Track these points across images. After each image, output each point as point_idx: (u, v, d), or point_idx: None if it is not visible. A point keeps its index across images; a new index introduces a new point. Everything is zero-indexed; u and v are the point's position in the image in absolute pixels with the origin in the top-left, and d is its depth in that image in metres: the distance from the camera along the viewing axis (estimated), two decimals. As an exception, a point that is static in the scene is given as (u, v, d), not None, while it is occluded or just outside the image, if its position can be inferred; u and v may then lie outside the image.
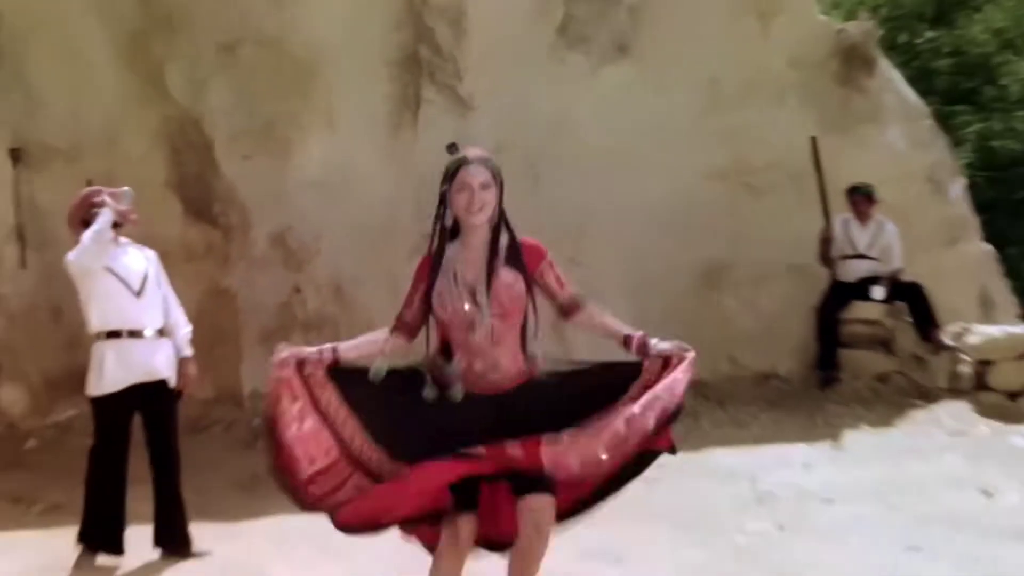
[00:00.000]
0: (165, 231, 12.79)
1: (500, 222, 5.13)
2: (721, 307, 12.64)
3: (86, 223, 7.85)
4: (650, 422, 4.86)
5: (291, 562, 7.92)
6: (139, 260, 7.99)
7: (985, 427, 10.91)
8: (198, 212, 12.94)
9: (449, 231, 5.16)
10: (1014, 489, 9.57)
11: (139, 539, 8.10)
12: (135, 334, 7.84)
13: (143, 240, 12.62)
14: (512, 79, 12.25)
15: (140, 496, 8.19)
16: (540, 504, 5.04)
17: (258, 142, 12.44)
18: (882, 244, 12.19)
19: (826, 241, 12.21)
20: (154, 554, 8.09)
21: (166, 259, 12.93)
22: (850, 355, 12.20)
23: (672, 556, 7.87)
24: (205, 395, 12.63)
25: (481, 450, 4.97)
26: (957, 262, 13.18)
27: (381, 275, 12.34)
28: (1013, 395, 11.17)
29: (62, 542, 8.12)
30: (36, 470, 11.16)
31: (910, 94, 13.63)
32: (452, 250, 5.21)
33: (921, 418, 11.28)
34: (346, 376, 5.06)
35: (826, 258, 12.27)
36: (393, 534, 5.42)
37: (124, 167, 12.83)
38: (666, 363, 4.94)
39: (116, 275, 7.83)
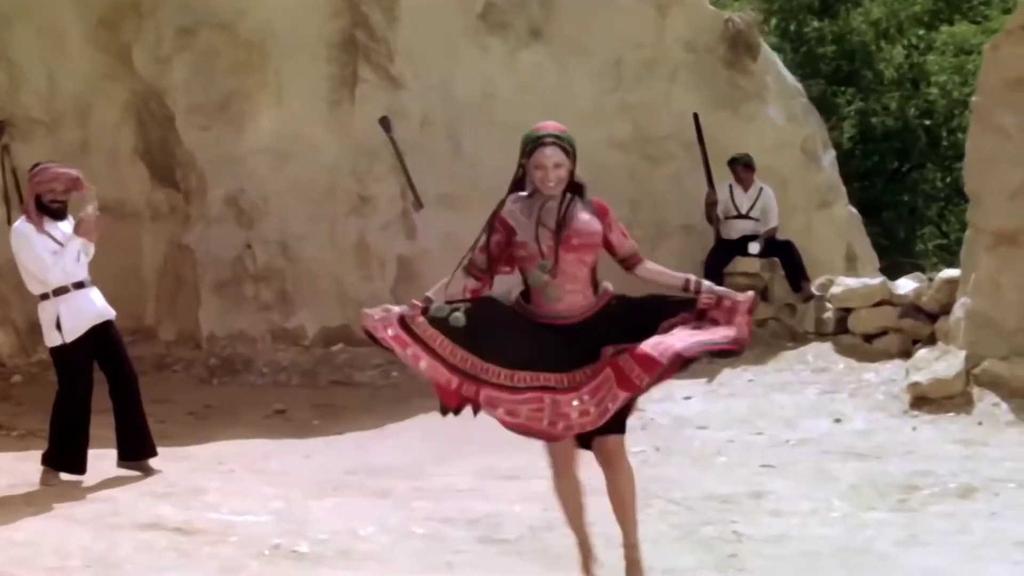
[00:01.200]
0: (134, 194, 12.96)
1: (576, 185, 5.27)
2: (623, 262, 12.80)
3: (39, 199, 7.92)
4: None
5: (227, 480, 8.09)
6: (67, 223, 8.08)
7: (843, 365, 11.14)
8: (162, 177, 13.12)
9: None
10: (860, 417, 9.89)
11: (99, 461, 8.24)
12: (79, 285, 7.97)
13: (117, 202, 12.84)
14: (438, 61, 12.43)
15: (101, 424, 8.34)
16: (611, 446, 5.24)
17: (214, 114, 12.64)
18: (761, 206, 12.44)
19: (711, 204, 12.44)
20: (112, 472, 8.22)
21: (135, 219, 13.18)
22: (735, 303, 12.40)
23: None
24: (167, 337, 12.81)
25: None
26: (827, 223, 13.44)
27: (323, 232, 12.55)
28: (868, 337, 11.40)
29: (32, 465, 8.27)
30: (19, 402, 11.34)
31: (788, 75, 13.86)
32: (529, 203, 5.29)
33: (790, 357, 11.52)
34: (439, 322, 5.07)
35: (711, 219, 12.47)
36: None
37: (97, 136, 13.01)
38: (719, 302, 5.05)
39: (57, 241, 7.93)
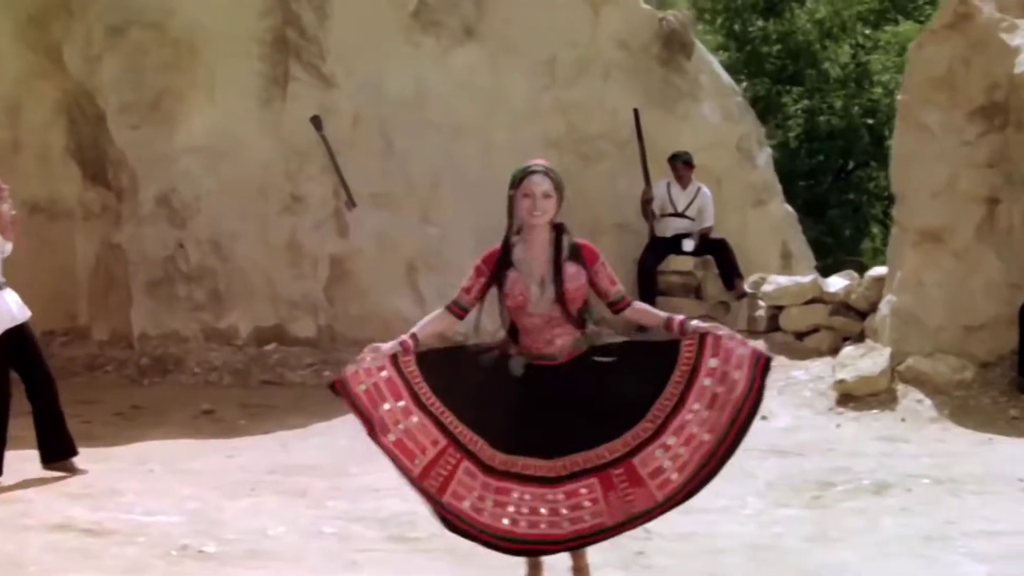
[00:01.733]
0: (66, 193, 12.90)
1: (560, 224, 5.23)
2: (556, 260, 12.81)
3: None
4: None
5: (145, 481, 8.06)
6: None
7: (777, 364, 11.15)
8: (94, 176, 13.07)
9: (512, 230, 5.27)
10: (787, 414, 9.95)
11: (19, 463, 8.18)
12: None
13: (49, 202, 12.78)
14: (370, 59, 12.40)
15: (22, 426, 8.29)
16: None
17: (146, 113, 12.60)
18: (698, 206, 12.47)
19: (647, 202, 12.47)
20: (32, 473, 8.17)
21: (68, 218, 13.10)
22: (666, 301, 12.40)
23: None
24: (100, 337, 12.75)
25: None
26: (762, 221, 13.49)
27: (256, 231, 12.52)
28: (800, 335, 11.48)
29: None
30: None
31: (723, 74, 13.90)
32: (517, 248, 5.24)
33: (723, 355, 11.51)
34: (428, 365, 5.05)
35: (647, 216, 12.50)
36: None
37: (28, 136, 12.96)
38: (702, 341, 5.01)
39: None
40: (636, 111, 12.45)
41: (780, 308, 11.71)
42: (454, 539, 6.43)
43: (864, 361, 10.09)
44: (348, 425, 9.56)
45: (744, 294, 12.04)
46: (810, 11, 22.50)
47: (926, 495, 7.44)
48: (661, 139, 12.83)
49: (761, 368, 4.97)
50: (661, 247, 12.50)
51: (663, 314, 5.29)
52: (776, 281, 11.77)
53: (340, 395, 4.99)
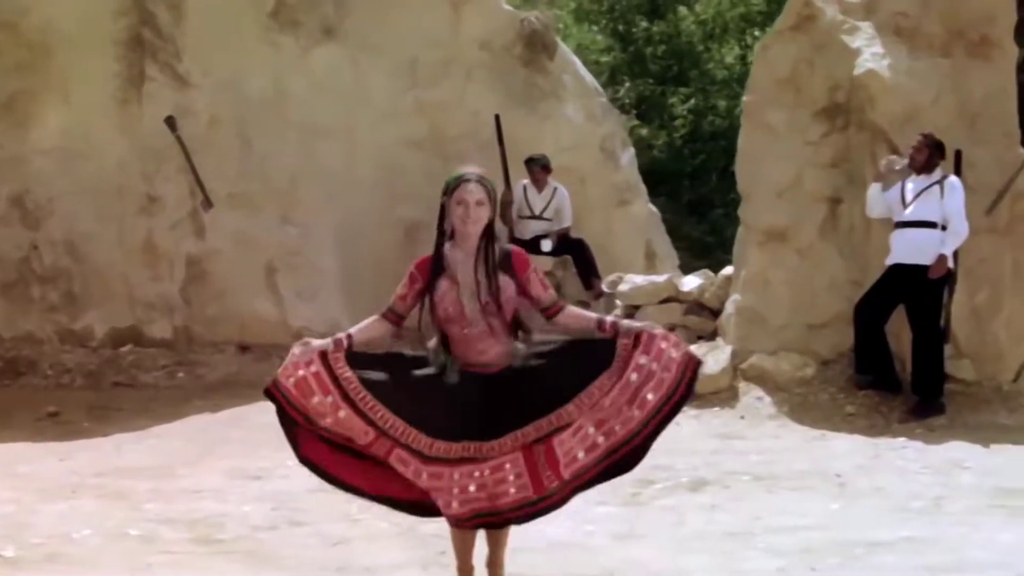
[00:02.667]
0: (-82, 194, 12.70)
1: (491, 233, 5.16)
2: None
3: None
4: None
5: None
6: None
7: (711, 360, 11.18)
8: (-54, 177, 12.87)
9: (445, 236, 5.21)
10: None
11: None
12: None
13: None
14: (227, 59, 12.35)
15: None
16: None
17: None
18: (555, 207, 12.54)
19: (506, 204, 12.49)
20: None
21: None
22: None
23: (301, 470, 8.03)
24: (-47, 338, 12.59)
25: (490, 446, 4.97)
26: (626, 221, 13.61)
27: (111, 232, 12.42)
28: (657, 335, 11.50)
29: None
30: None
31: (587, 75, 14.01)
32: (449, 255, 5.19)
33: (577, 355, 11.55)
34: (363, 365, 5.02)
35: (506, 219, 12.53)
36: None
37: None
38: (636, 339, 5.01)
39: None
40: (497, 117, 12.48)
41: (636, 307, 11.74)
42: (261, 541, 6.49)
43: (707, 360, 10.16)
44: (189, 426, 9.64)
45: (602, 293, 12.13)
46: (694, 13, 22.69)
47: (741, 492, 7.54)
48: (523, 139, 12.88)
49: (691, 373, 5.01)
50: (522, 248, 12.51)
51: (595, 315, 5.31)
52: (632, 280, 11.83)
53: (273, 397, 4.97)
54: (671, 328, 11.21)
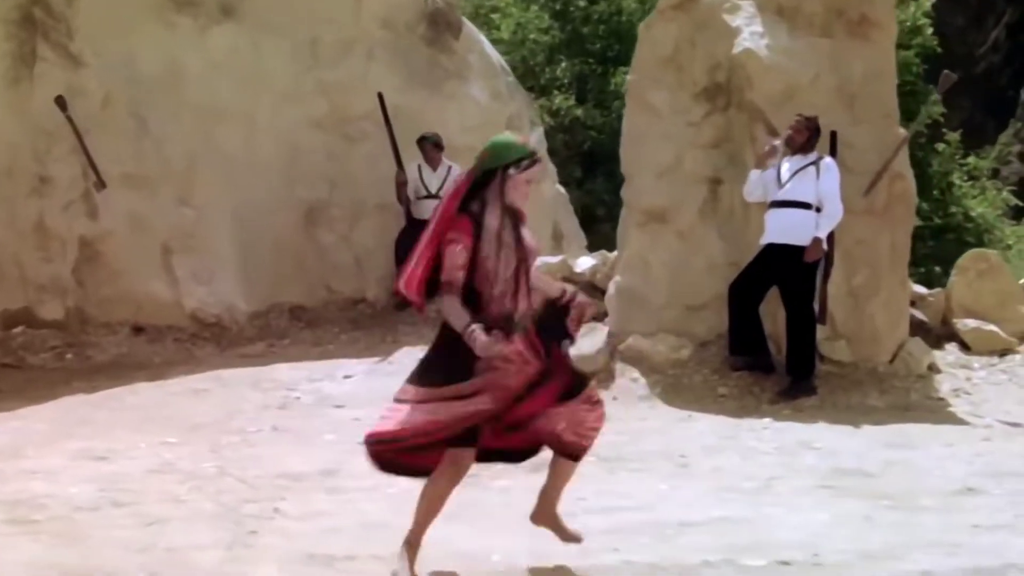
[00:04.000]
0: None
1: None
2: (320, 241, 12.90)
3: None
4: None
5: None
6: None
7: (588, 341, 11.20)
8: None
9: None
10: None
11: None
12: None
13: None
14: (121, 39, 12.31)
15: None
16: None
17: None
18: (450, 186, 12.51)
19: (401, 184, 12.52)
20: None
21: None
22: (426, 282, 12.51)
23: (152, 451, 8.11)
24: None
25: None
26: (533, 201, 13.39)
27: (2, 213, 12.38)
28: (554, 315, 11.52)
29: None
30: None
31: (493, 54, 14.06)
32: (491, 223, 5.32)
33: (471, 336, 11.58)
34: None
35: (402, 199, 12.56)
36: None
37: None
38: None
39: None
40: (380, 95, 12.49)
41: (531, 288, 11.75)
42: (72, 522, 6.51)
43: (584, 340, 10.20)
44: (58, 408, 9.65)
45: (498, 274, 12.11)
46: (634, -9, 22.69)
47: (579, 473, 7.55)
48: (427, 119, 12.93)
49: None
50: (419, 228, 12.44)
51: (557, 285, 5.72)
52: (528, 261, 11.82)
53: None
54: (565, 309, 11.35)
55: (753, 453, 8.04)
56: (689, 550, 5.94)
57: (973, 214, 25.95)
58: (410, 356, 11.03)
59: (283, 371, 10.80)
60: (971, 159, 26.93)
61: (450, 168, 12.57)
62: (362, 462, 7.66)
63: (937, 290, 11.41)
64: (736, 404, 9.55)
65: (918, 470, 7.50)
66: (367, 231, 12.90)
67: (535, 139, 13.91)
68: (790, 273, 9.58)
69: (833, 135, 9.75)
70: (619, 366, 10.13)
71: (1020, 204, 28.56)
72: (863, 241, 9.98)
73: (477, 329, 5.12)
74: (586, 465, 7.70)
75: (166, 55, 12.46)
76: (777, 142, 9.70)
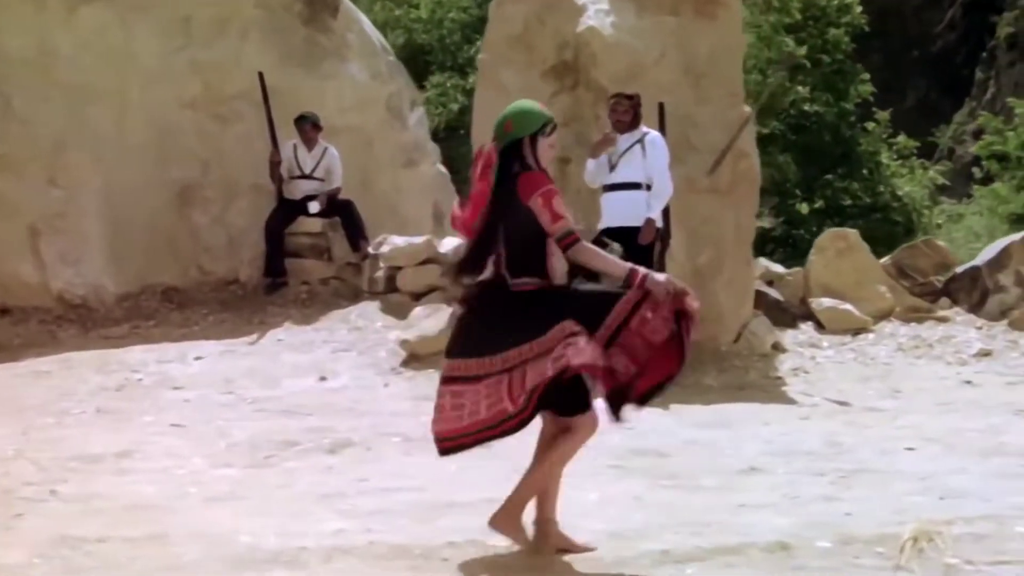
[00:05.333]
0: None
1: None
2: (192, 222, 12.83)
3: None
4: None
5: None
6: None
7: (381, 323, 11.27)
8: None
9: None
10: (348, 375, 10.04)
11: None
12: None
13: None
14: (-17, 17, 12.18)
15: None
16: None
17: None
18: (326, 166, 12.51)
19: (275, 164, 12.46)
20: None
21: None
22: (297, 263, 12.52)
23: None
24: None
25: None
26: (413, 181, 13.61)
27: None
28: (416, 296, 11.54)
29: None
30: None
31: (373, 33, 13.96)
32: None
33: (336, 317, 11.61)
34: None
35: (274, 178, 12.50)
36: None
37: None
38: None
39: None
40: (260, 74, 12.43)
41: (398, 268, 11.76)
42: None
43: (428, 321, 10.22)
44: None
45: (367, 255, 12.11)
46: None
47: (378, 455, 7.57)
48: (304, 98, 12.86)
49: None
50: (291, 209, 12.53)
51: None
52: (393, 242, 11.84)
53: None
54: (431, 290, 11.37)
55: (561, 434, 7.99)
56: (445, 531, 5.92)
57: (900, 193, 25.97)
58: (271, 338, 11.07)
59: (136, 353, 10.76)
60: (900, 138, 26.94)
61: (326, 149, 12.54)
62: (163, 443, 7.72)
63: (795, 269, 11.41)
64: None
65: (714, 450, 7.51)
66: (241, 211, 12.83)
67: (415, 120, 13.87)
68: (627, 255, 9.53)
69: (661, 107, 9.71)
70: (463, 346, 10.08)
71: (947, 183, 28.68)
72: (708, 220, 9.98)
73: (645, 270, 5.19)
74: (389, 445, 7.76)
75: (34, 34, 12.35)
76: (610, 131, 9.66)
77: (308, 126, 12.45)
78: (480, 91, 10.83)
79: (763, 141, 25.29)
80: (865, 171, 26.47)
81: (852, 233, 11.52)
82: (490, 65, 10.67)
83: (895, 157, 26.98)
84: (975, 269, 11.26)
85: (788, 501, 6.34)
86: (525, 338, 5.17)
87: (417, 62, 21.59)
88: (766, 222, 27.55)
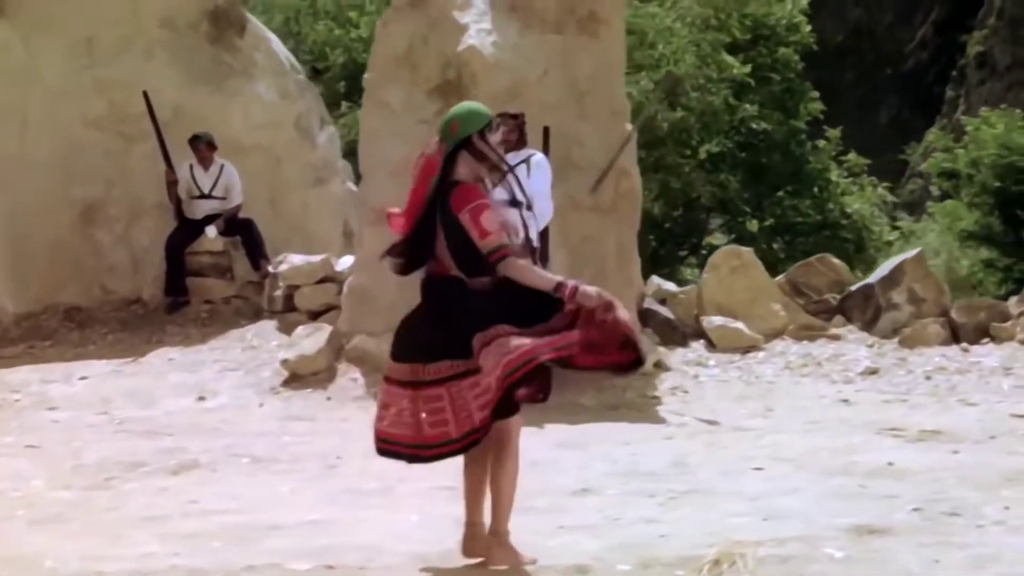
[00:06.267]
0: None
1: None
2: (96, 241, 12.77)
3: None
4: None
5: None
6: None
7: (276, 343, 11.21)
8: None
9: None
10: (228, 394, 10.00)
11: None
12: None
13: None
14: None
15: None
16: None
17: None
18: (224, 184, 12.46)
19: (171, 183, 12.41)
20: None
21: None
22: (199, 282, 12.47)
23: None
24: None
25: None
26: (323, 200, 13.56)
27: None
28: (314, 314, 11.47)
29: None
30: None
31: (281, 52, 13.91)
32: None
33: (233, 336, 11.57)
34: None
35: (173, 197, 12.45)
36: None
37: None
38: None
39: None
40: (145, 93, 12.34)
41: (296, 287, 11.71)
42: None
43: (308, 341, 10.17)
44: None
45: (268, 274, 12.05)
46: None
47: (221, 476, 7.53)
48: (211, 117, 12.84)
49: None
50: (191, 228, 12.48)
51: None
52: (291, 260, 11.79)
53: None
54: (328, 309, 11.32)
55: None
56: (255, 554, 5.86)
57: (850, 211, 25.98)
58: (162, 357, 11.01)
59: (23, 373, 10.73)
60: (851, 156, 26.97)
61: (222, 167, 12.48)
62: (10, 465, 7.68)
63: (689, 287, 11.38)
64: (446, 404, 9.45)
65: (556, 470, 7.45)
66: (145, 230, 12.77)
67: (324, 139, 13.84)
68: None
69: (545, 131, 9.70)
70: (343, 366, 10.06)
71: (896, 200, 28.72)
72: (589, 238, 9.95)
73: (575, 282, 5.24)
74: (236, 466, 7.70)
75: (-67, 53, 12.30)
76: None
77: (203, 145, 12.39)
78: (366, 110, 10.81)
79: (713, 159, 25.55)
80: (815, 189, 26.46)
81: (746, 251, 11.46)
82: (376, 84, 10.63)
83: (845, 175, 26.97)
84: (868, 287, 11.22)
85: (608, 523, 6.29)
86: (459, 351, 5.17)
87: (359, 81, 21.51)
88: (717, 239, 27.67)
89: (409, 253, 5.41)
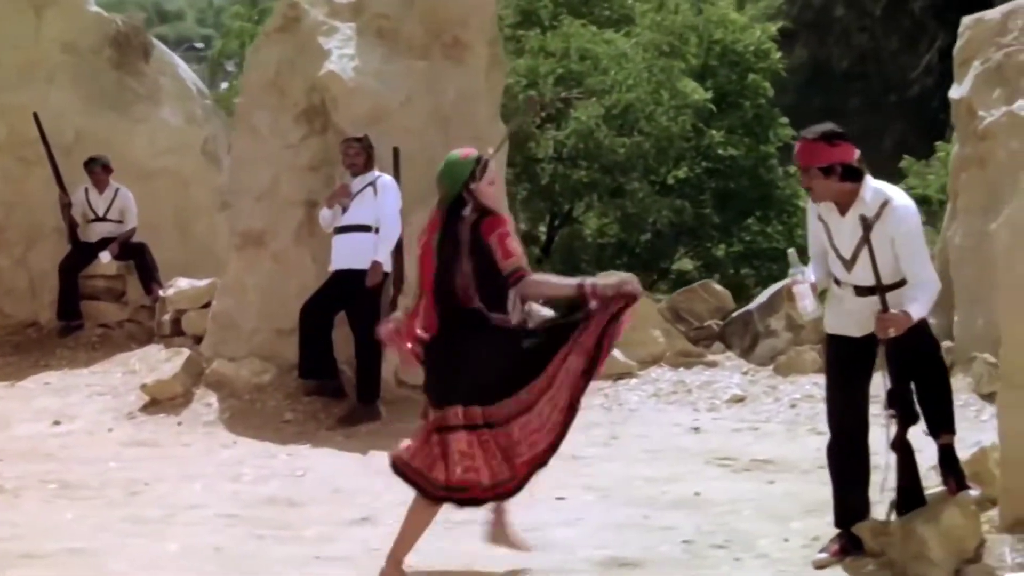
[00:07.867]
0: None
1: None
2: (-7, 265, 12.76)
3: None
4: None
5: None
6: None
7: (171, 365, 11.07)
8: None
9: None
10: (88, 419, 9.92)
11: None
12: None
13: None
14: None
15: None
16: None
17: None
18: (119, 207, 12.42)
19: (65, 206, 12.37)
20: None
21: None
22: (93, 305, 12.43)
23: None
24: None
25: None
26: (231, 224, 13.46)
27: None
28: (199, 339, 11.37)
29: None
30: None
31: (189, 77, 13.90)
32: None
33: (119, 360, 11.49)
34: None
35: (67, 220, 12.41)
36: None
37: None
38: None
39: None
40: (36, 115, 12.28)
41: (183, 311, 11.63)
42: None
43: (167, 365, 10.11)
44: None
45: (159, 298, 11.99)
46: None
47: (14, 503, 7.46)
48: (115, 142, 12.82)
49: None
50: (85, 252, 12.43)
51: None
52: (178, 285, 11.72)
53: None
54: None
55: (224, 482, 7.88)
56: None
57: (817, 237, 25.76)
58: (38, 381, 10.96)
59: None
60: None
61: (117, 190, 12.44)
62: None
63: (568, 313, 11.22)
64: (296, 430, 9.42)
65: (346, 498, 7.35)
66: (43, 254, 12.73)
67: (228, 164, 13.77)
68: (355, 297, 9.46)
69: (395, 152, 9.63)
70: (200, 391, 9.99)
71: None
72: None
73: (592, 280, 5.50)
74: (38, 493, 7.64)
75: None
76: (347, 182, 9.60)
77: (98, 168, 12.35)
78: (236, 135, 10.78)
79: (680, 184, 25.45)
80: (784, 215, 26.31)
81: (626, 277, 11.31)
82: (245, 108, 10.59)
83: (814, 201, 26.80)
84: (748, 314, 11.07)
85: (366, 555, 6.20)
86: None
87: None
88: (685, 265, 27.53)
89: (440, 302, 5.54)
